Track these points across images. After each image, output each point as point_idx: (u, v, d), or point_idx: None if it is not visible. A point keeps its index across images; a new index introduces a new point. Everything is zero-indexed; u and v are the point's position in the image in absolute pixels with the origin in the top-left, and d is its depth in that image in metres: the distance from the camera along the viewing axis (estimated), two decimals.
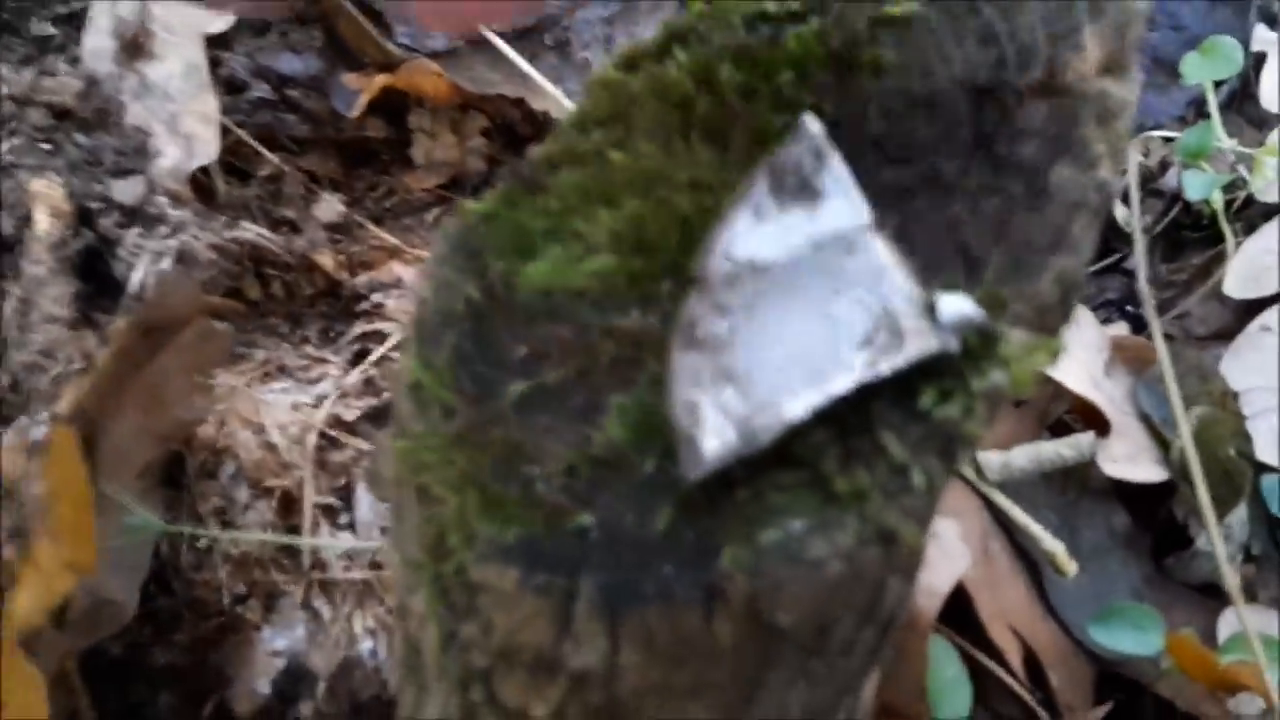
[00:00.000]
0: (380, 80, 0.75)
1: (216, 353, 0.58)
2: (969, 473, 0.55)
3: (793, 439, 0.28)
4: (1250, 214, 0.74)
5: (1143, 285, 0.56)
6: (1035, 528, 0.54)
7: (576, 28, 0.83)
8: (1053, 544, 0.54)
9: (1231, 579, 0.46)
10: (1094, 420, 0.62)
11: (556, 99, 0.75)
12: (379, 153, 0.80)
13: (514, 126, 0.80)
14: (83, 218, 0.72)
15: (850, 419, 0.28)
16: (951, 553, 0.49)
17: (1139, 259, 0.58)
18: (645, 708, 0.31)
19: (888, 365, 0.27)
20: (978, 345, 0.28)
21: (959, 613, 0.55)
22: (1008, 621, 0.54)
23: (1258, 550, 0.62)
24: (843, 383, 0.28)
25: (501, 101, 0.77)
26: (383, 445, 0.61)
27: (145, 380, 0.53)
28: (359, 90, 0.75)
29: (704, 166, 0.33)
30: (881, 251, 0.29)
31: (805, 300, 0.29)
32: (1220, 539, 0.45)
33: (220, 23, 0.78)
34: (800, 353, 0.28)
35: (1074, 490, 0.59)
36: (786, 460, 0.28)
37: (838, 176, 0.30)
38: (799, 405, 0.28)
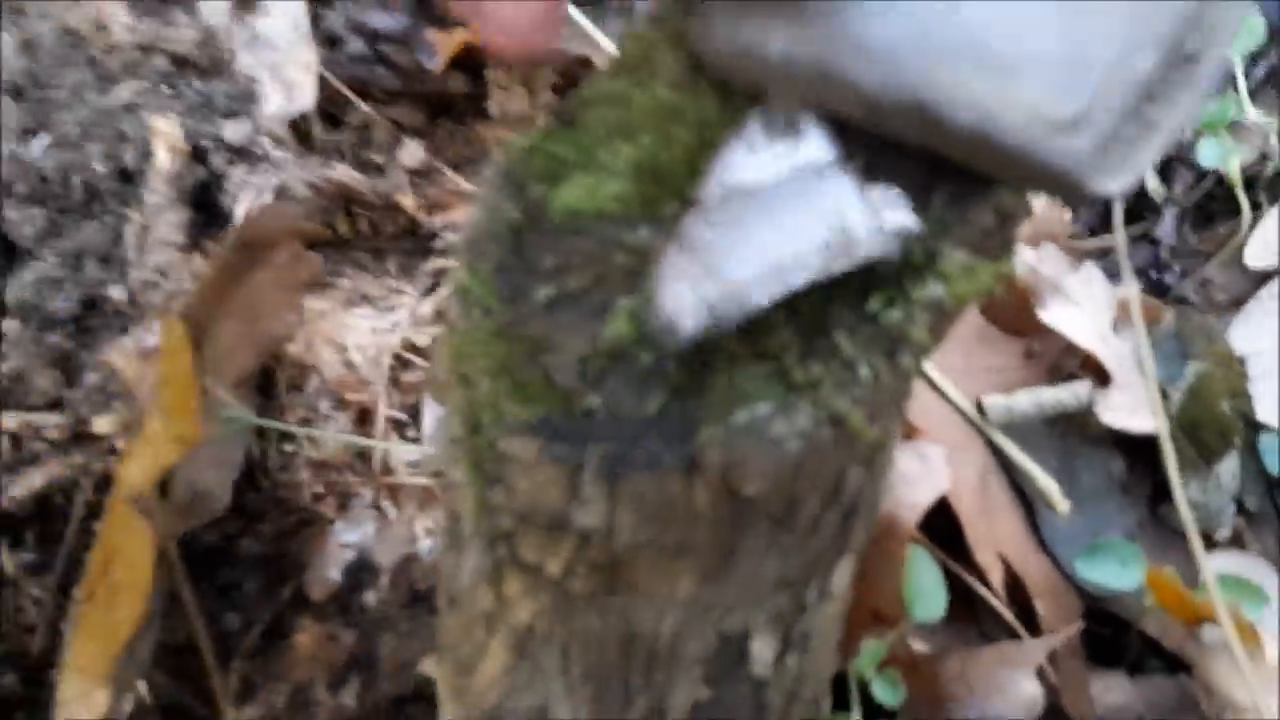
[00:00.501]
0: (460, 37, 0.81)
1: (306, 274, 0.65)
2: (973, 414, 0.60)
3: (762, 337, 0.34)
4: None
5: (1120, 245, 0.60)
6: (1031, 466, 0.58)
7: None
8: (1047, 482, 0.57)
9: (1189, 518, 0.49)
10: (1103, 375, 0.65)
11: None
12: (459, 105, 0.86)
13: (580, 82, 0.85)
14: (196, 154, 0.80)
15: (811, 322, 0.33)
16: (935, 471, 0.53)
17: (1117, 220, 0.61)
18: (639, 563, 0.37)
19: (839, 266, 0.32)
20: (920, 260, 0.33)
21: (955, 544, 0.59)
22: (998, 550, 0.59)
23: (1253, 506, 0.65)
24: (801, 278, 0.33)
25: (569, 59, 0.83)
26: (440, 352, 0.68)
27: (244, 293, 0.60)
28: (442, 46, 0.82)
29: (710, 108, 0.38)
30: (847, 178, 0.34)
31: (779, 215, 0.34)
32: (1180, 486, 0.49)
33: None
34: (770, 255, 0.33)
35: (1075, 436, 0.63)
36: (758, 355, 0.34)
37: (818, 119, 0.36)
38: (763, 294, 0.32)
